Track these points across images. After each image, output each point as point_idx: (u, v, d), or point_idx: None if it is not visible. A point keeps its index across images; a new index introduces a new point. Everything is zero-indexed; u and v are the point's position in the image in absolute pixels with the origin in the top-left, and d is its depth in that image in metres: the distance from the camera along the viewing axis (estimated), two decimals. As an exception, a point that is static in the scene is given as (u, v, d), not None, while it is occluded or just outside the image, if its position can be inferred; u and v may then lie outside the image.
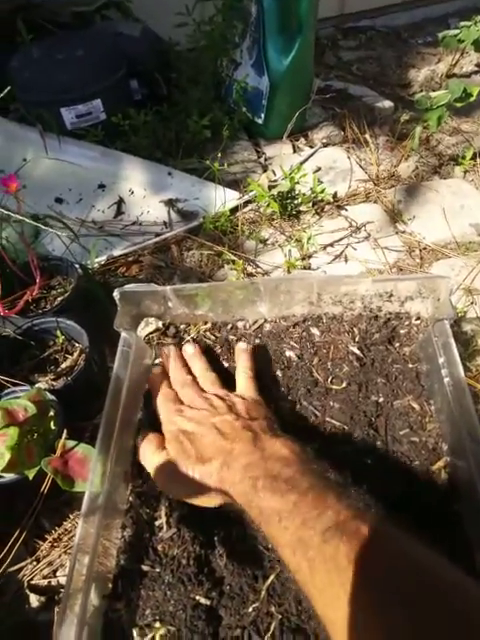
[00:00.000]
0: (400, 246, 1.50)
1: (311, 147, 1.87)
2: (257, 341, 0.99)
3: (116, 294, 0.90)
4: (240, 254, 1.45)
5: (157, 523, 0.78)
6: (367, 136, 1.91)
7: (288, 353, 0.97)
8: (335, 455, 0.81)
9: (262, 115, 1.81)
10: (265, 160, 1.82)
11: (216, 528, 0.77)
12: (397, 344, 0.98)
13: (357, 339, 0.98)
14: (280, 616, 0.67)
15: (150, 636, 0.69)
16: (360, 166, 1.79)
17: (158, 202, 1.60)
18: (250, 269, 1.44)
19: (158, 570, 0.74)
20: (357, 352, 0.96)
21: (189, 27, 1.74)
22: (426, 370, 0.92)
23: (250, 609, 0.68)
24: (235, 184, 1.69)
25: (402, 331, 0.99)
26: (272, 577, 0.71)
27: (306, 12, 1.53)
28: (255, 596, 0.69)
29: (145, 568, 0.75)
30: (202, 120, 1.70)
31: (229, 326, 1.02)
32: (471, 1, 2.81)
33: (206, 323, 1.02)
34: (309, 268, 1.44)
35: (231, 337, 1.00)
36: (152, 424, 0.87)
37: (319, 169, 1.74)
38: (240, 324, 1.02)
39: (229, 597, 0.70)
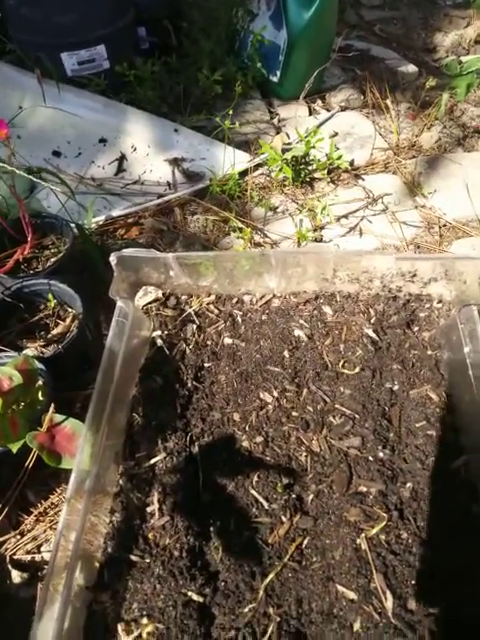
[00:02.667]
0: (419, 221, 1.42)
1: (328, 110, 1.76)
2: (264, 317, 0.92)
3: (113, 258, 0.82)
4: (248, 222, 1.36)
5: (149, 509, 0.73)
6: (388, 102, 1.80)
7: (297, 332, 0.91)
8: (342, 449, 0.75)
9: (278, 73, 1.69)
10: (278, 122, 1.72)
11: (212, 517, 0.71)
12: (416, 328, 0.91)
13: (373, 321, 0.91)
14: (279, 618, 0.62)
15: (136, 633, 0.64)
16: (380, 134, 1.69)
17: (162, 161, 1.51)
18: (258, 238, 1.36)
19: (148, 561, 0.69)
20: (372, 335, 0.90)
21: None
22: (447, 358, 0.85)
23: (246, 609, 0.63)
24: (246, 145, 1.59)
25: (422, 314, 0.93)
26: (271, 575, 0.66)
27: (332, -42, 1.41)
28: (252, 595, 0.64)
29: (134, 558, 0.69)
30: (213, 75, 1.58)
31: (234, 300, 0.95)
32: (507, -39, 2.63)
33: (210, 295, 0.95)
34: (321, 240, 1.36)
35: (236, 312, 0.93)
36: (148, 401, 0.80)
37: (336, 134, 1.64)
38: (246, 298, 0.95)
39: (224, 595, 0.65)
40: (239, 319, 0.92)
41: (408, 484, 0.73)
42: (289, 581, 0.65)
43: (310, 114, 1.76)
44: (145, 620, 0.64)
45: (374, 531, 0.68)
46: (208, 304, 0.94)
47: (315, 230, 1.38)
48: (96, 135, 1.54)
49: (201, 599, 0.64)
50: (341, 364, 0.86)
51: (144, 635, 0.63)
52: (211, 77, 1.60)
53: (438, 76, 1.75)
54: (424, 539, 0.68)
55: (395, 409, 0.82)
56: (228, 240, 1.35)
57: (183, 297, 0.94)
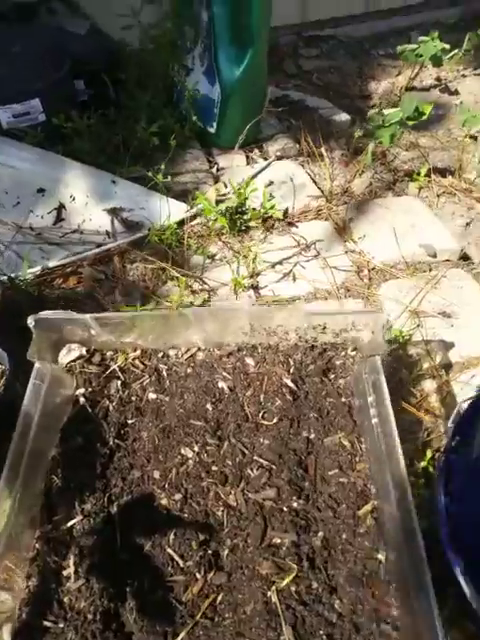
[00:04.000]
0: (349, 265, 1.49)
1: (265, 159, 1.85)
2: (189, 370, 0.96)
3: (30, 321, 0.85)
4: (185, 272, 1.41)
5: (65, 573, 0.74)
6: (322, 150, 1.90)
7: (221, 384, 0.95)
8: (258, 501, 0.78)
9: (214, 124, 1.77)
10: (217, 171, 1.79)
11: (129, 578, 0.73)
12: (332, 376, 0.97)
13: (292, 371, 0.96)
14: (188, 679, 0.64)
15: None
16: (314, 181, 1.78)
17: (101, 211, 1.55)
18: (196, 286, 1.41)
19: (61, 625, 0.70)
20: (291, 385, 0.94)
21: (138, 29, 1.69)
22: (358, 405, 0.90)
23: (157, 671, 0.65)
24: (184, 195, 1.64)
25: (338, 362, 0.98)
26: (182, 634, 0.67)
27: (258, 22, 1.51)
28: (164, 656, 0.66)
29: (47, 623, 0.70)
30: (151, 127, 1.65)
31: (160, 354, 0.98)
32: (433, 15, 2.84)
33: (135, 350, 0.98)
34: (257, 287, 1.42)
35: (161, 366, 0.97)
36: (68, 462, 0.82)
37: (271, 183, 1.72)
38: (172, 352, 0.99)
39: (136, 657, 0.66)
40: (164, 373, 0.95)
41: (320, 533, 0.77)
42: (200, 639, 0.67)
43: (248, 163, 1.84)
44: None
45: (285, 583, 0.71)
46: (134, 359, 0.97)
47: (251, 276, 1.43)
48: (34, 185, 1.58)
49: (113, 663, 0.65)
50: (261, 415, 0.90)
51: None
52: (149, 129, 1.66)
53: (370, 122, 1.86)
54: (333, 588, 0.71)
55: (311, 458, 0.86)
56: (166, 288, 1.39)
57: (108, 353, 0.97)
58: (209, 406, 0.91)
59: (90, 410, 0.90)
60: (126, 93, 1.75)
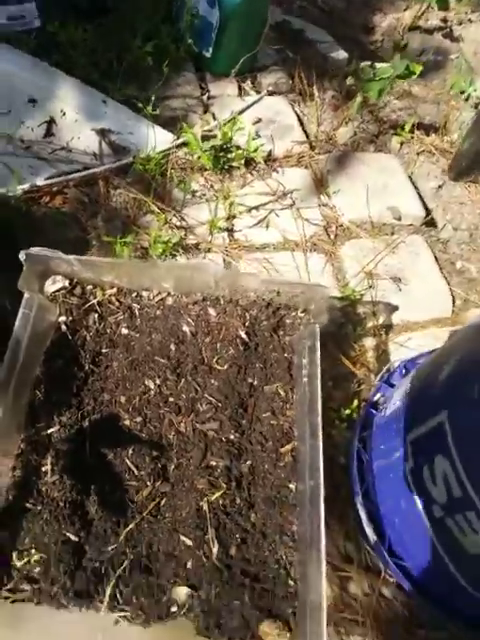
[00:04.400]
0: (320, 220, 1.61)
1: (257, 92, 1.87)
2: (158, 312, 1.11)
3: (22, 256, 0.97)
4: (163, 208, 1.50)
5: (43, 469, 0.94)
6: (315, 89, 1.92)
7: (185, 328, 1.10)
8: (203, 431, 0.98)
9: (210, 49, 1.77)
10: (208, 99, 1.81)
11: (93, 479, 0.93)
12: (281, 332, 1.13)
13: (247, 324, 1.12)
14: (133, 557, 0.87)
15: (26, 560, 0.87)
16: (301, 123, 1.83)
17: (90, 130, 1.59)
18: (175, 221, 1.51)
19: (39, 508, 0.90)
20: (244, 337, 1.11)
21: None
22: (297, 362, 1.08)
23: (110, 548, 0.87)
24: (172, 122, 1.69)
25: (288, 321, 1.14)
26: (132, 525, 0.89)
27: None
28: (116, 539, 0.88)
29: (28, 505, 0.90)
30: (146, 46, 1.65)
31: (134, 294, 1.12)
32: None
33: (112, 288, 1.12)
34: (232, 230, 1.53)
35: (134, 305, 1.11)
36: (49, 381, 0.99)
37: (259, 121, 1.76)
38: (145, 293, 1.13)
39: (94, 537, 0.88)
40: (137, 312, 1.10)
41: (248, 462, 0.98)
42: (145, 530, 0.89)
43: (240, 94, 1.86)
44: (33, 551, 0.87)
45: (214, 497, 0.92)
46: (110, 296, 1.11)
47: (228, 219, 1.54)
48: (25, 94, 1.59)
49: (77, 539, 0.87)
50: (215, 360, 1.07)
51: (32, 561, 0.86)
52: (144, 48, 1.66)
53: (369, 58, 1.88)
54: (251, 504, 0.93)
55: (251, 400, 1.05)
56: (147, 219, 1.50)
57: (89, 287, 1.11)
58: (172, 347, 1.08)
59: (70, 337, 1.05)
60: (125, 3, 1.71)
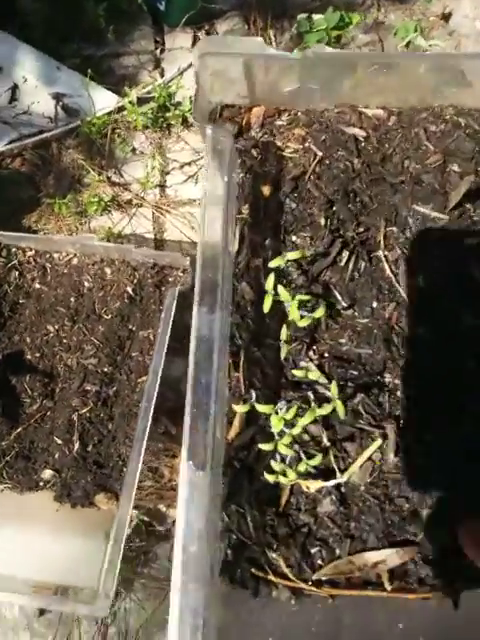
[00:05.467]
0: (245, 174, 1.80)
1: (210, 41, 1.98)
2: (65, 271, 1.44)
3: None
4: (105, 166, 1.76)
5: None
6: (271, 33, 2.00)
7: (85, 284, 1.44)
8: (85, 364, 1.34)
9: (163, 2, 1.89)
10: (160, 53, 1.97)
11: (1, 396, 1.34)
12: (163, 288, 1.44)
13: (135, 282, 1.43)
14: (18, 449, 1.28)
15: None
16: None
17: (47, 94, 1.84)
18: (115, 179, 1.79)
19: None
20: (131, 292, 1.42)
21: None
22: (165, 315, 1.39)
23: (3, 443, 1.29)
24: (122, 80, 1.89)
25: (170, 279, 1.44)
26: (20, 428, 1.30)
27: None
28: (8, 437, 1.29)
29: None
30: (99, 7, 1.82)
31: (48, 255, 1.46)
32: None
33: (31, 250, 1.46)
34: (164, 186, 1.78)
35: (47, 265, 1.45)
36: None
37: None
38: (56, 255, 1.46)
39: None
40: (48, 270, 1.45)
41: (115, 388, 1.34)
42: (30, 432, 1.30)
43: (194, 43, 1.99)
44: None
45: (83, 411, 1.30)
46: (29, 257, 1.45)
47: (161, 175, 1.79)
48: (-7, 62, 1.85)
49: (-12, 434, 1.30)
50: (104, 311, 1.41)
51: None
52: (97, 10, 1.83)
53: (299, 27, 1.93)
54: (111, 417, 1.31)
55: (128, 342, 1.39)
56: (90, 178, 1.78)
57: (13, 249, 1.45)
58: (72, 299, 1.42)
59: (-5, 290, 1.42)
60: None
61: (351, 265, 0.80)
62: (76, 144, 1.80)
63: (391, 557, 0.64)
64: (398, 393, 0.70)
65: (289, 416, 0.65)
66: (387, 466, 0.68)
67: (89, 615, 1.25)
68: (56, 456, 1.28)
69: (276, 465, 0.64)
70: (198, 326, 0.67)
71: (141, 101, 1.80)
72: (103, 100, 1.80)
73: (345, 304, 0.78)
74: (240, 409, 0.65)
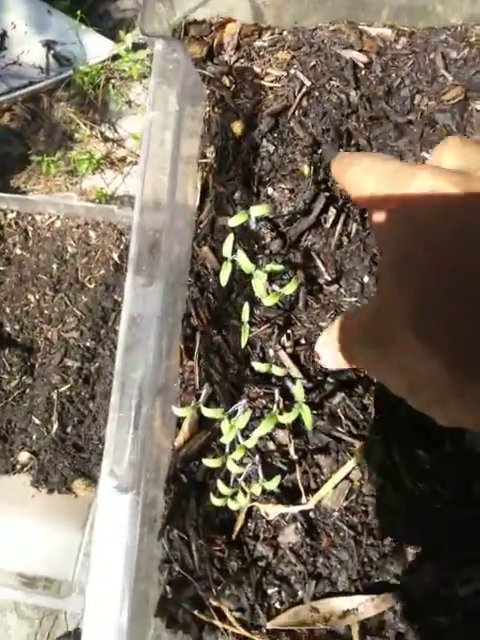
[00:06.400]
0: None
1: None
2: (48, 235, 1.33)
3: None
4: (97, 121, 1.63)
5: None
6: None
7: (69, 249, 1.32)
8: (66, 338, 1.24)
9: None
10: (161, -8, 1.79)
11: None
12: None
13: (121, 247, 1.31)
14: (-3, 427, 1.20)
15: None
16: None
17: (37, 42, 1.70)
18: (109, 134, 1.65)
19: None
20: (116, 259, 1.31)
21: None
22: (153, 285, 1.27)
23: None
24: (121, 24, 1.73)
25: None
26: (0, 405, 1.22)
27: None
28: None
29: None
30: None
31: (30, 218, 1.35)
32: None
33: (13, 212, 1.35)
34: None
35: (29, 228, 1.34)
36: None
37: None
38: (38, 217, 1.35)
39: None
40: (30, 234, 1.34)
41: (97, 364, 1.24)
42: (8, 411, 1.21)
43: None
44: None
45: (63, 388, 1.21)
46: (11, 220, 1.34)
47: (159, 129, 1.64)
48: (-21, 7, 1.72)
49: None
50: (87, 279, 1.30)
51: None
52: None
53: None
54: (93, 396, 1.21)
55: (113, 314, 1.28)
56: (82, 132, 1.65)
57: (-5, 210, 1.35)
58: (55, 266, 1.31)
59: (-26, 257, 1.33)
60: None
61: (339, 227, 0.64)
62: (68, 96, 1.67)
63: (365, 605, 0.50)
64: (387, 393, 0.55)
65: (241, 423, 0.52)
66: (368, 488, 0.54)
67: (62, 609, 1.18)
68: (34, 437, 1.19)
69: (223, 487, 0.51)
70: (131, 302, 0.55)
71: (137, 47, 1.65)
72: (97, 47, 1.65)
73: (329, 277, 0.63)
74: (182, 413, 0.53)
